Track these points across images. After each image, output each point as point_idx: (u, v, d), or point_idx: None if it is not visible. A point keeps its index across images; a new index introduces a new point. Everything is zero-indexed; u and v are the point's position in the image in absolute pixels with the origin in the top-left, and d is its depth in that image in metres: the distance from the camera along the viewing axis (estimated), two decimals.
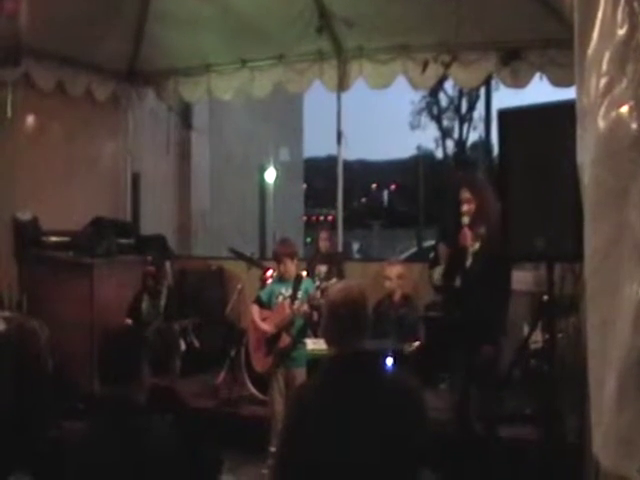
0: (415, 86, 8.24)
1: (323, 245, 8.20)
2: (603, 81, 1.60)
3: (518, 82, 7.50)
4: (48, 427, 3.19)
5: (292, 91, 9.13)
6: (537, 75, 7.38)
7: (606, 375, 1.50)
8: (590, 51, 1.72)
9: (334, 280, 6.36)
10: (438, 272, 6.08)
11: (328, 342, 3.12)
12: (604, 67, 1.60)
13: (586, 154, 1.76)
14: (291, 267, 6.25)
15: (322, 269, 7.88)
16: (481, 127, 35.04)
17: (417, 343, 6.72)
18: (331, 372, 3.03)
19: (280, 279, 6.38)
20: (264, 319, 6.24)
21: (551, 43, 7.05)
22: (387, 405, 2.91)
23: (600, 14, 1.66)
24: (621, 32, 1.56)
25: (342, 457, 2.80)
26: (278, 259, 6.28)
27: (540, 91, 6.76)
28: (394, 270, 7.36)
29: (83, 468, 2.94)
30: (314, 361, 6.13)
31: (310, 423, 2.91)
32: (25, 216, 8.00)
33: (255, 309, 6.30)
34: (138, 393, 3.15)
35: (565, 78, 6.93)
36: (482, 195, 5.45)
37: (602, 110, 1.59)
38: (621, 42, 1.56)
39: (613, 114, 1.55)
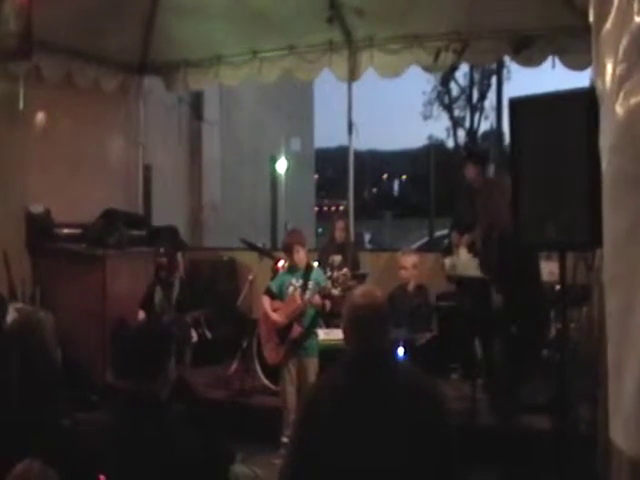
0: (427, 70, 8.20)
1: (339, 235, 8.20)
2: (621, 68, 1.59)
3: (530, 64, 7.47)
4: (59, 416, 3.21)
5: (300, 78, 9.07)
6: (549, 62, 7.34)
7: (627, 361, 1.49)
8: (606, 38, 1.71)
9: (345, 270, 6.35)
10: (451, 262, 6.08)
11: (348, 343, 3.11)
12: (621, 54, 1.59)
13: (605, 140, 1.75)
14: (303, 255, 6.26)
15: (336, 259, 7.87)
16: (492, 116, 34.88)
17: (429, 335, 6.72)
18: (350, 369, 3.02)
19: (290, 269, 6.39)
20: (275, 310, 6.24)
21: (562, 30, 7.01)
22: (406, 406, 2.89)
23: (616, 1, 1.65)
24: (638, 19, 1.55)
25: (354, 457, 2.80)
26: (290, 248, 6.26)
27: (552, 80, 6.74)
28: (409, 259, 7.33)
29: (97, 457, 2.96)
30: (326, 351, 6.16)
31: (325, 420, 2.90)
32: (37, 209, 8.03)
33: (266, 300, 6.31)
34: (163, 388, 3.16)
35: (577, 63, 6.91)
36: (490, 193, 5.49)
37: (620, 97, 1.58)
38: (638, 29, 1.55)
39: (632, 101, 1.54)
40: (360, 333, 3.02)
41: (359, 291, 3.20)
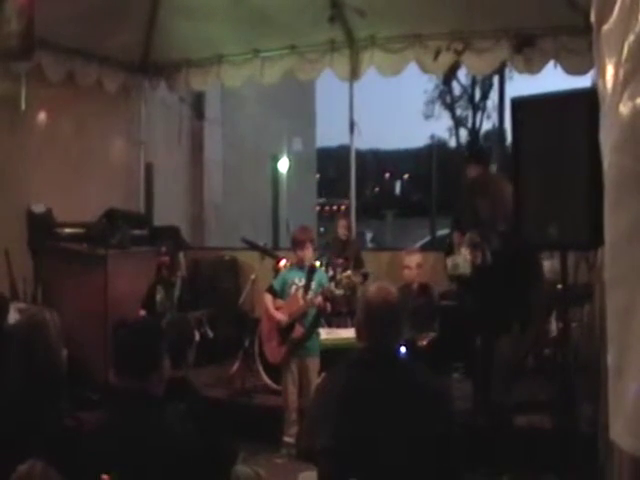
0: (426, 71, 8.19)
1: (342, 232, 8.21)
2: (624, 69, 1.59)
3: (531, 68, 7.44)
4: (61, 416, 3.21)
5: (302, 78, 9.06)
6: (551, 63, 7.32)
7: (629, 362, 1.49)
8: (608, 37, 1.70)
9: (349, 272, 6.36)
10: (453, 261, 6.07)
11: (361, 339, 3.09)
12: (624, 55, 1.59)
13: (606, 140, 1.74)
14: (311, 253, 6.27)
15: (339, 259, 7.86)
16: (495, 116, 34.95)
17: (431, 335, 6.70)
18: (361, 367, 3.01)
19: (293, 267, 6.39)
20: (277, 309, 6.24)
21: (563, 30, 7.00)
22: (415, 404, 2.89)
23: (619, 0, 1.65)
24: None
25: (364, 454, 2.80)
26: (300, 244, 6.23)
27: (554, 79, 6.73)
28: (413, 259, 7.27)
29: (98, 457, 2.96)
30: (328, 351, 6.16)
31: (335, 413, 2.90)
32: (39, 208, 8.03)
33: (268, 298, 6.30)
34: (158, 386, 3.15)
35: (579, 65, 6.89)
36: (497, 193, 5.46)
37: (624, 97, 1.58)
38: None
39: (637, 101, 1.54)
40: (373, 330, 3.01)
41: (374, 288, 3.19)
